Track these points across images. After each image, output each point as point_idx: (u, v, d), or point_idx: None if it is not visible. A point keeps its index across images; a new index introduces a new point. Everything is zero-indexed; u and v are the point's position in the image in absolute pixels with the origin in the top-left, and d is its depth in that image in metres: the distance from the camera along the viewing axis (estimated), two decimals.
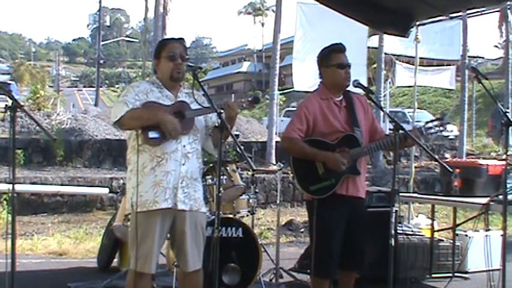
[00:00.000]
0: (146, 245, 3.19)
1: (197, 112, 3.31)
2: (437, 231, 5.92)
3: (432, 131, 3.64)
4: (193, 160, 3.30)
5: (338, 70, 3.71)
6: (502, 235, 3.84)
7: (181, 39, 3.42)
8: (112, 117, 3.26)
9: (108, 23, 64.29)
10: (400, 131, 3.39)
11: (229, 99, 3.38)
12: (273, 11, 21.18)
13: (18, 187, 8.98)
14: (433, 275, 5.38)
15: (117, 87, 56.41)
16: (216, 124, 3.19)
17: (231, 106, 3.25)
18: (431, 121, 3.69)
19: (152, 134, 3.19)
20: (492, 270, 4.23)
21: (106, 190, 11.10)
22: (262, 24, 54.42)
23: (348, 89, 3.81)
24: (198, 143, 3.37)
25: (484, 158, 11.32)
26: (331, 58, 3.74)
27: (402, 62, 13.73)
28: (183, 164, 3.24)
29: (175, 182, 3.21)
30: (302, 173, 3.72)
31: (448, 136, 19.38)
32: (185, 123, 3.25)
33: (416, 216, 7.13)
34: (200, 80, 3.29)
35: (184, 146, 3.25)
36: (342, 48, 3.78)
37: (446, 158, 14.76)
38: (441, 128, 3.66)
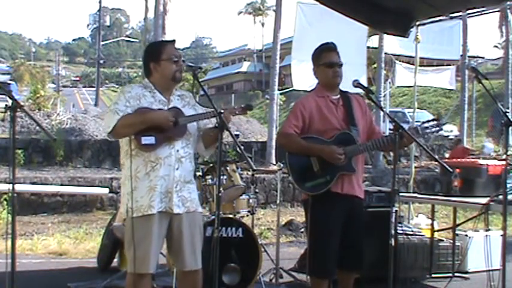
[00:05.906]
0: (144, 247, 3.20)
1: (190, 119, 3.33)
2: (437, 231, 5.92)
3: (428, 130, 3.66)
4: (187, 164, 3.33)
5: (326, 69, 3.74)
6: (502, 235, 3.84)
7: (175, 41, 3.45)
8: (105, 128, 3.29)
9: (108, 23, 64.35)
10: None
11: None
12: (273, 10, 21.13)
13: (18, 187, 8.92)
14: (433, 275, 5.38)
15: (117, 87, 56.38)
16: (216, 125, 3.19)
17: (225, 115, 3.25)
18: (428, 121, 3.71)
19: (146, 140, 3.19)
20: (492, 270, 4.23)
21: (106, 190, 11.11)
22: (262, 24, 54.44)
23: (347, 89, 3.82)
24: (191, 147, 3.39)
25: (484, 158, 11.29)
26: (321, 57, 3.78)
27: (402, 62, 13.72)
28: (177, 169, 3.26)
29: (169, 186, 3.23)
30: (298, 170, 3.73)
31: (448, 136, 19.38)
32: (178, 130, 3.27)
33: (416, 216, 7.13)
34: (200, 80, 3.30)
35: (177, 151, 3.28)
36: (333, 47, 3.80)
37: (447, 158, 14.74)
38: (437, 128, 3.69)
